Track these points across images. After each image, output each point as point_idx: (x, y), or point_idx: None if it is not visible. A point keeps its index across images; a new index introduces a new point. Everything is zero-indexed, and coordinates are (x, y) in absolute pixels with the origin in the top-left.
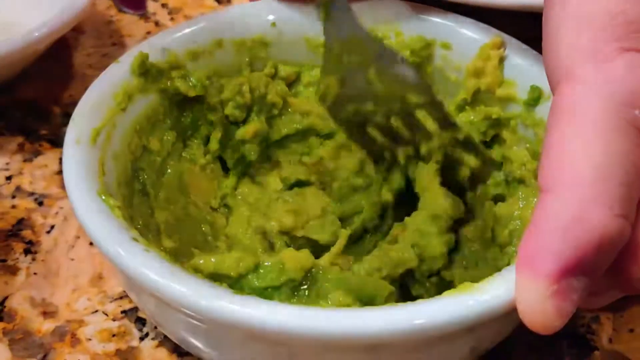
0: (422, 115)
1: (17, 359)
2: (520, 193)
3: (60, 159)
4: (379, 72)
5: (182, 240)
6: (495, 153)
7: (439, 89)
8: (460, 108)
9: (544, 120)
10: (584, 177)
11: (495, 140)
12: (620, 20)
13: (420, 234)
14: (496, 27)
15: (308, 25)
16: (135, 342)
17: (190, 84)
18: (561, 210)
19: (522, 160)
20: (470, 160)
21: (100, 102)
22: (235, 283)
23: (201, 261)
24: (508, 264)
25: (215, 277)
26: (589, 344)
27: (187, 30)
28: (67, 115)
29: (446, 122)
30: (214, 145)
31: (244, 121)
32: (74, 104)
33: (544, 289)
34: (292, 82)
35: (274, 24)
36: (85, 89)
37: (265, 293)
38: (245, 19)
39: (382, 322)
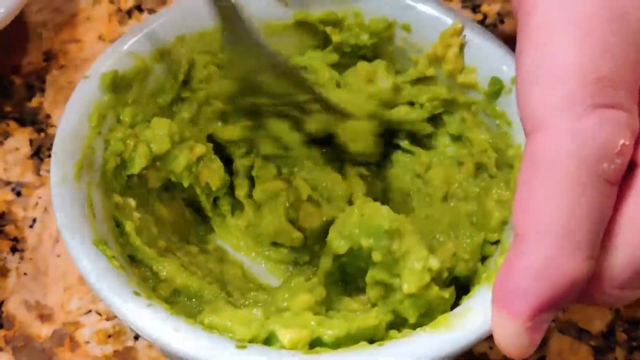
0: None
1: None
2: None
3: (30, 141)
4: (272, 76)
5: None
6: (454, 128)
7: (401, 66)
8: (414, 83)
9: (505, 113)
10: (556, 225)
11: (453, 118)
12: (592, 77)
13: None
14: None
15: (267, 10)
16: (130, 342)
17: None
18: (534, 255)
19: (483, 146)
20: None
21: (76, 129)
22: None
23: (212, 318)
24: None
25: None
26: None
27: (148, 30)
28: (29, 87)
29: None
30: None
31: None
32: (35, 72)
33: (520, 326)
34: None
35: None
36: (43, 53)
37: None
38: (205, 9)
39: None
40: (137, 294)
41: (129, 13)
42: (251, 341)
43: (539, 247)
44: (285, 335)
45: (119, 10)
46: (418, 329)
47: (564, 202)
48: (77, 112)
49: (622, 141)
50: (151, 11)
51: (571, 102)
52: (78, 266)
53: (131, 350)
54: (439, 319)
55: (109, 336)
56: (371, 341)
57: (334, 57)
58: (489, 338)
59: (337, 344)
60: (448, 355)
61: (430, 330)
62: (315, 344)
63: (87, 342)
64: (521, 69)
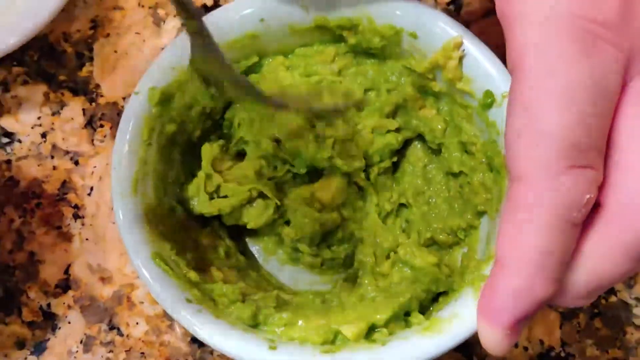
0: None
1: (90, 324)
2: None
3: (83, 111)
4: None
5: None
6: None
7: (408, 62)
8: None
9: (496, 123)
10: (532, 257)
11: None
12: (569, 143)
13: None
14: None
15: (290, 15)
16: None
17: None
18: (513, 279)
19: (478, 147)
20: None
21: (130, 144)
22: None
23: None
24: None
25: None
26: None
27: (187, 43)
28: (79, 56)
29: None
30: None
31: None
32: (83, 40)
33: (501, 333)
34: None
35: (262, 20)
36: (90, 20)
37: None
38: (236, 19)
39: None
40: (188, 300)
41: None
42: (323, 343)
43: (518, 274)
44: (349, 331)
45: None
46: (415, 333)
47: (539, 240)
48: (131, 127)
49: (588, 196)
50: None
51: (549, 162)
52: (140, 276)
53: None
54: (430, 324)
55: None
56: (407, 314)
57: (344, 49)
58: None
59: (387, 323)
60: (438, 355)
61: (424, 334)
62: (371, 329)
63: (142, 302)
64: (510, 124)
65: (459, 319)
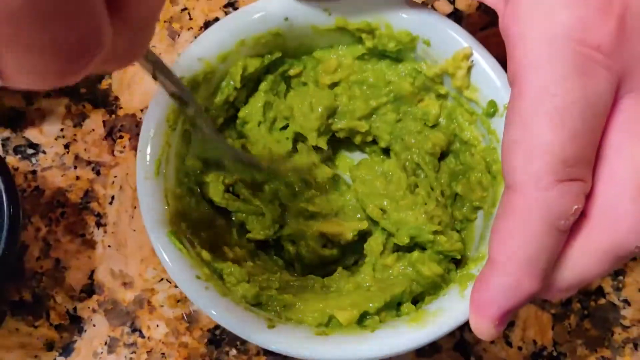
0: None
1: (113, 327)
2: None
3: (104, 122)
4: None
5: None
6: (451, 126)
7: (419, 66)
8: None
9: (496, 131)
10: (522, 257)
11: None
12: (560, 159)
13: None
14: None
15: (314, 17)
16: (195, 306)
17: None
18: (504, 277)
19: (478, 149)
20: None
21: (157, 130)
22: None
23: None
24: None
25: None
26: None
27: (216, 37)
28: None
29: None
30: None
31: None
32: None
33: (491, 324)
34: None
35: (286, 19)
36: None
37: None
38: (262, 17)
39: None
40: (198, 277)
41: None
42: (319, 325)
43: (507, 273)
44: (342, 316)
45: None
46: (403, 323)
47: (528, 244)
48: (157, 114)
49: (576, 206)
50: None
51: (541, 176)
52: (156, 252)
53: (195, 313)
54: (417, 316)
55: (178, 301)
56: (399, 304)
57: (361, 50)
58: None
59: (379, 311)
60: (421, 345)
61: (410, 325)
62: (363, 316)
63: (162, 306)
64: (507, 135)
65: (444, 313)
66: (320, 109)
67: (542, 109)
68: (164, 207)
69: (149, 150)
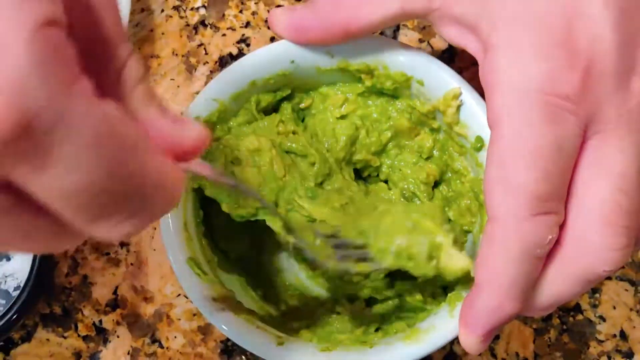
0: None
1: (135, 338)
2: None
3: None
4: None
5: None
6: (443, 161)
7: (413, 103)
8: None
9: (483, 164)
10: (503, 282)
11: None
12: (534, 196)
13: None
14: None
15: (317, 59)
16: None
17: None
18: (488, 300)
19: (467, 179)
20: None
21: None
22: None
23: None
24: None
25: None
26: None
27: (229, 79)
28: None
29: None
30: None
31: None
32: None
33: (478, 340)
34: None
35: (292, 61)
36: None
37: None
38: (270, 60)
39: None
40: (214, 299)
41: (196, 29)
42: (322, 342)
43: (490, 296)
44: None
45: (187, 25)
46: (398, 340)
47: (508, 270)
48: None
49: (550, 236)
50: (213, 27)
51: (517, 210)
52: (178, 279)
53: (209, 326)
54: (411, 334)
55: (194, 315)
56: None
57: (361, 88)
58: None
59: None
60: (416, 359)
61: (405, 342)
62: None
63: (179, 319)
64: (488, 173)
65: (436, 330)
66: (344, 138)
67: (517, 152)
68: (183, 235)
69: None
